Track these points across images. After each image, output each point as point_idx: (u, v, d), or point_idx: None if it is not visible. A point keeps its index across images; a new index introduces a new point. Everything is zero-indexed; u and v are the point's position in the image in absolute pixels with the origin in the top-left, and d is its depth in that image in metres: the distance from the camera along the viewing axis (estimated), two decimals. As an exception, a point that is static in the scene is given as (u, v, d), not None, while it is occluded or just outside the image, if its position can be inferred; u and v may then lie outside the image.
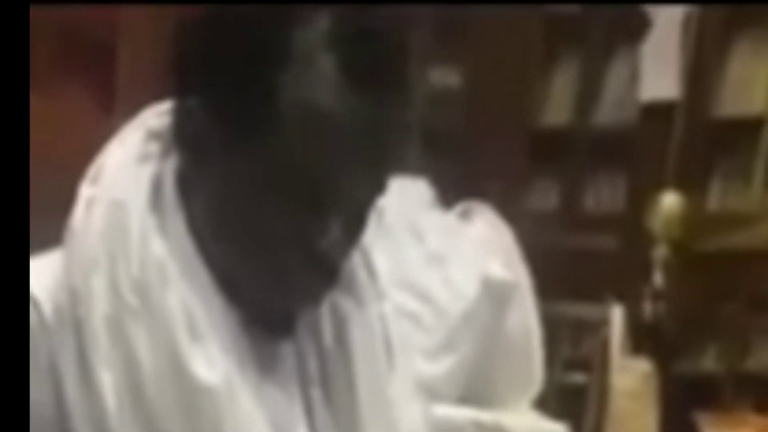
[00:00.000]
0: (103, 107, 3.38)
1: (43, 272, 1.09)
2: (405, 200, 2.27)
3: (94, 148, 1.15)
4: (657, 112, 3.90)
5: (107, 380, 1.05)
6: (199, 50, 1.10)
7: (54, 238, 1.12)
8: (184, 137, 1.11)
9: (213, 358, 1.06)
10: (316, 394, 1.15)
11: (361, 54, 1.06)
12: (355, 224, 1.12)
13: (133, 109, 1.18)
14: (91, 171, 1.13)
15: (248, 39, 1.07)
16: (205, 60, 1.09)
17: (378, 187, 1.12)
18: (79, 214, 1.10)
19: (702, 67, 3.85)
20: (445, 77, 4.11)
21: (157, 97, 1.16)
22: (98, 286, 1.07)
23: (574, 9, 4.19)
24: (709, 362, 4.04)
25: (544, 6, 4.21)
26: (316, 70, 1.06)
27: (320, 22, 1.06)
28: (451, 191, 2.43)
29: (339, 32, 1.06)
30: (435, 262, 2.31)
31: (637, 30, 3.91)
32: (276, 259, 1.09)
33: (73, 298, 1.07)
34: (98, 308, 1.06)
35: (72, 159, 1.27)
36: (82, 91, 3.38)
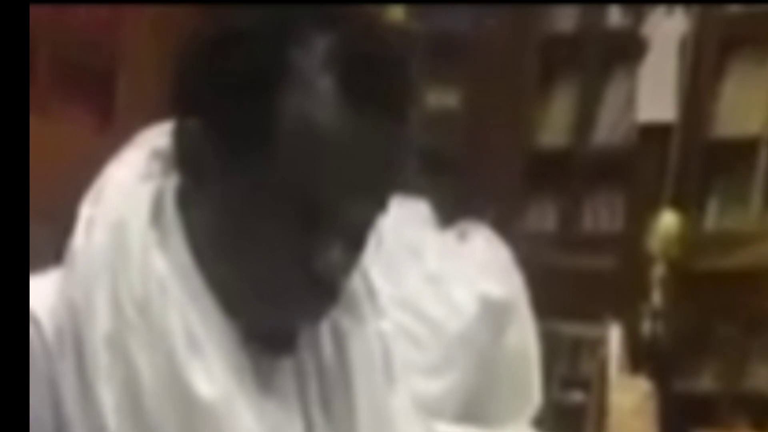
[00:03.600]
0: (102, 130, 3.39)
1: (44, 291, 1.09)
2: (404, 219, 2.27)
3: (93, 169, 1.15)
4: (654, 134, 3.91)
5: (107, 397, 1.05)
6: (200, 72, 1.10)
7: (53, 257, 1.12)
8: (184, 157, 1.11)
9: (213, 375, 1.06)
10: (317, 413, 1.15)
11: (362, 75, 1.07)
12: (355, 244, 1.12)
13: (131, 130, 1.18)
14: (93, 191, 1.13)
15: (248, 61, 1.07)
16: (205, 81, 1.09)
17: (378, 207, 1.12)
18: (80, 234, 1.11)
19: (698, 89, 3.86)
20: (444, 98, 4.13)
21: (155, 118, 1.17)
22: (99, 302, 1.07)
23: (570, 27, 4.22)
24: (707, 381, 4.04)
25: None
26: (315, 90, 1.06)
27: (321, 44, 1.07)
28: (450, 211, 2.43)
29: (339, 53, 1.07)
30: (433, 281, 2.32)
31: (633, 53, 3.93)
32: (275, 277, 1.10)
33: (74, 316, 1.07)
34: (99, 325, 1.06)
35: (71, 180, 1.28)
36: (81, 114, 3.39)
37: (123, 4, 3.55)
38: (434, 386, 2.22)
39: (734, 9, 3.82)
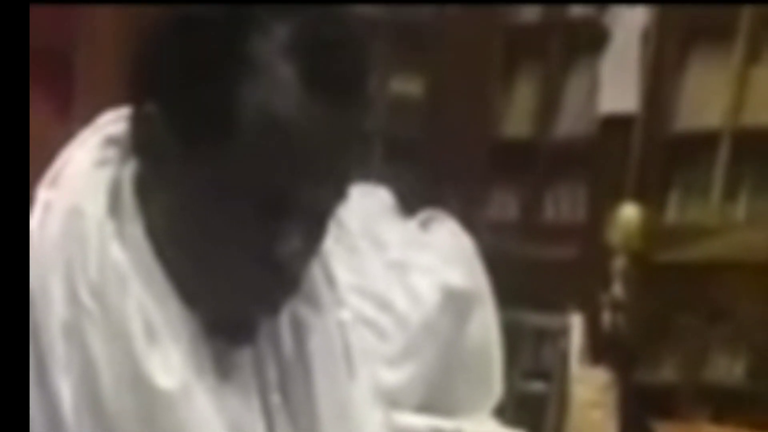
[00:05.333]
0: (60, 113, 3.37)
1: None
2: (366, 207, 2.27)
3: (51, 152, 1.14)
4: (616, 125, 3.93)
5: (64, 385, 1.03)
6: (158, 57, 1.09)
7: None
8: (141, 143, 1.10)
9: (171, 364, 1.05)
10: (275, 400, 1.15)
11: (321, 63, 1.06)
12: (314, 231, 1.12)
13: (90, 114, 1.17)
14: (49, 175, 1.12)
15: (207, 46, 1.06)
16: (164, 67, 1.08)
17: (337, 195, 1.11)
18: (36, 219, 1.09)
19: (660, 81, 3.88)
20: (407, 86, 4.12)
21: (114, 102, 1.15)
22: (56, 291, 1.06)
23: (534, 17, 4.23)
24: (667, 372, 4.06)
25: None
26: (275, 78, 1.05)
27: (280, 31, 1.06)
28: (413, 200, 2.42)
29: (299, 41, 1.06)
30: (395, 270, 2.31)
31: (596, 43, 3.94)
32: (234, 265, 1.09)
33: (30, 304, 1.06)
34: (55, 313, 1.05)
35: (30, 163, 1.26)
36: (39, 97, 3.37)
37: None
38: (397, 376, 2.21)
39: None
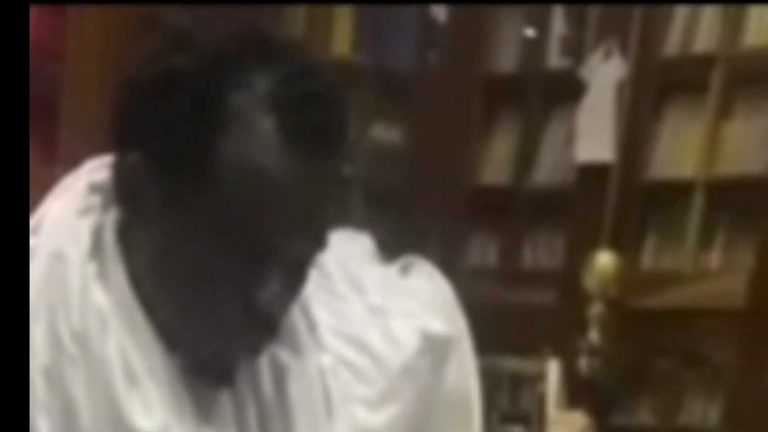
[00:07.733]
0: (44, 160, 3.35)
1: None
2: (346, 253, 2.26)
3: (35, 199, 1.14)
4: (592, 174, 3.94)
5: (44, 426, 1.03)
6: (142, 108, 1.09)
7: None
8: (124, 191, 1.10)
9: (151, 406, 1.05)
10: None
11: (301, 117, 1.06)
12: (294, 278, 1.12)
13: (74, 161, 1.17)
14: (32, 221, 1.12)
15: (189, 100, 1.06)
16: (147, 118, 1.09)
17: (317, 243, 1.12)
18: (21, 264, 1.09)
19: (636, 131, 3.90)
20: (388, 134, 4.13)
21: (98, 150, 1.16)
22: (37, 335, 1.05)
23: (512, 68, 4.27)
24: (643, 416, 4.05)
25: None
26: (255, 131, 1.06)
27: (261, 84, 1.06)
28: (393, 246, 2.42)
29: (279, 95, 1.06)
30: (375, 315, 2.30)
31: (572, 94, 3.97)
32: (214, 310, 1.09)
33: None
34: (37, 357, 1.04)
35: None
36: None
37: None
38: (377, 418, 2.20)
39: (671, 53, 3.89)
